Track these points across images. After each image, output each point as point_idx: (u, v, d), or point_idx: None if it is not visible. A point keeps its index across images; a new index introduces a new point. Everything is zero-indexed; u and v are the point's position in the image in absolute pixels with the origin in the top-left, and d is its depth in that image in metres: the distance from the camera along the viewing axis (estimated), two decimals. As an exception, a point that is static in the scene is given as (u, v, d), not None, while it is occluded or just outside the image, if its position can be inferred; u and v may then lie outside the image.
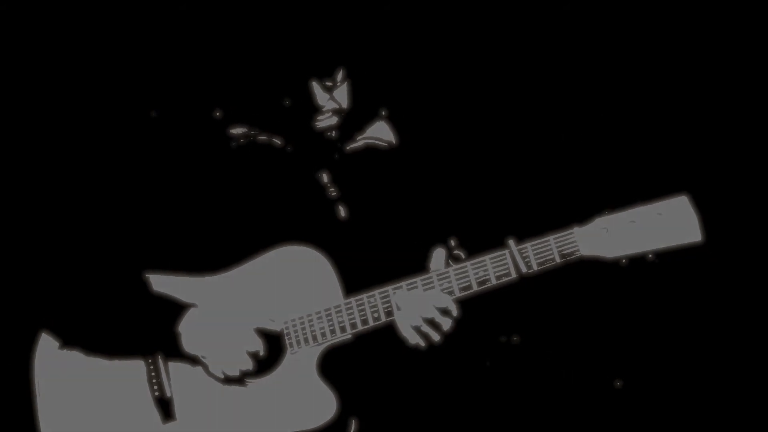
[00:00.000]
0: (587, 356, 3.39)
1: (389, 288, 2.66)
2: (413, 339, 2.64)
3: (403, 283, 2.66)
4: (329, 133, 2.78)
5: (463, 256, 2.69)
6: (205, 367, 2.67)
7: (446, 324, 2.64)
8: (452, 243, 2.72)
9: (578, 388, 3.38)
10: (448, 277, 2.65)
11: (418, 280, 2.66)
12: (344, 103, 2.78)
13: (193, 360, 2.67)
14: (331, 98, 2.78)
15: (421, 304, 2.62)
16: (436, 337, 2.64)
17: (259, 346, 2.66)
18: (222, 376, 2.66)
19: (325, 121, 2.78)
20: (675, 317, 3.38)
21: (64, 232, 2.73)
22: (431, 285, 2.65)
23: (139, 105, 2.84)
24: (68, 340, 2.72)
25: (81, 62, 3.30)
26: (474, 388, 3.26)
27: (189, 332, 2.66)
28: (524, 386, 3.37)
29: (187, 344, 2.66)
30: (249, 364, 2.65)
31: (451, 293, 2.64)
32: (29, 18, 3.31)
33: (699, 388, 3.38)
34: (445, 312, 2.63)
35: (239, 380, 2.67)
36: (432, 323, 2.63)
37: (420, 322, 2.62)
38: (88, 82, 3.29)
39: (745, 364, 3.36)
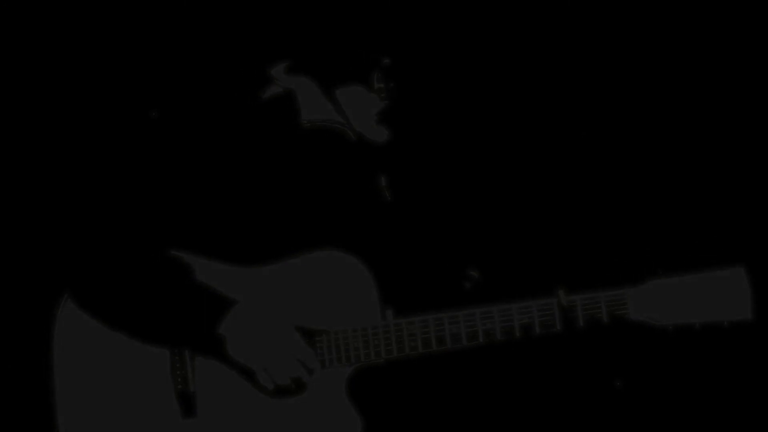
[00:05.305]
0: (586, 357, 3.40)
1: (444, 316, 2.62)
2: None
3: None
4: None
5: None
6: (253, 377, 2.59)
7: None
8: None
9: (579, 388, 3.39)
10: (492, 316, 2.61)
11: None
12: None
13: (242, 369, 2.59)
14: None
15: None
16: None
17: (314, 364, 2.59)
18: (272, 387, 2.59)
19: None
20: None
21: (121, 211, 2.66)
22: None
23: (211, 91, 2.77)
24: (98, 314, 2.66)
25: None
26: (501, 419, 3.25)
27: (235, 338, 2.57)
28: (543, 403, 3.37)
29: (234, 351, 2.57)
30: (300, 372, 2.58)
31: (492, 332, 2.60)
32: (29, 18, 3.23)
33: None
34: None
35: (289, 392, 2.61)
36: None
37: None
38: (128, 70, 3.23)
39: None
